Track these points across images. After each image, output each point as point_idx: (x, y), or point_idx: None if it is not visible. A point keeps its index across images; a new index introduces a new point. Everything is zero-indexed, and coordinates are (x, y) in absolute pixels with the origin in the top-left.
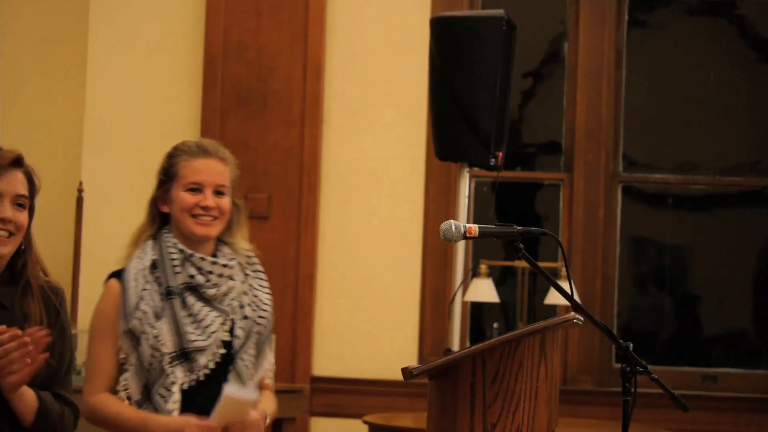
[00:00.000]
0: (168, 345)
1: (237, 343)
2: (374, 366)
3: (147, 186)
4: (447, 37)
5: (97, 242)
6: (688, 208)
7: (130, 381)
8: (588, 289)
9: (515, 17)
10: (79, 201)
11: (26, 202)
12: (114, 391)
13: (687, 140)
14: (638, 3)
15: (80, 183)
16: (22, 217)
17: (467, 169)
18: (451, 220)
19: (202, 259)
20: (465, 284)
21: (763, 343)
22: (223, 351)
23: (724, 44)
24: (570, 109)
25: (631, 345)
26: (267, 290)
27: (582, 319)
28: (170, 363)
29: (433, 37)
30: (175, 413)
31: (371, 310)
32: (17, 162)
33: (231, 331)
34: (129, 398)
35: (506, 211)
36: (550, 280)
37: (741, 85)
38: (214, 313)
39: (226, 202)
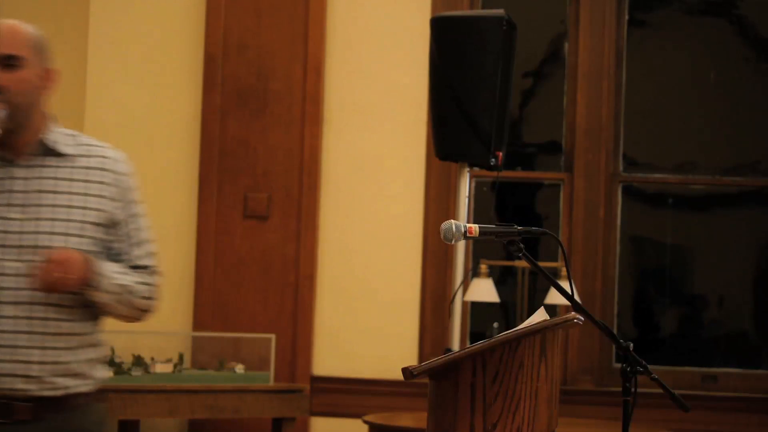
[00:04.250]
0: None
1: None
2: (374, 366)
3: (147, 186)
4: (447, 37)
5: None
6: (688, 208)
7: None
8: (588, 289)
9: (515, 17)
10: None
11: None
12: None
13: (687, 140)
14: (638, 3)
15: None
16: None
17: (467, 168)
18: (452, 220)
19: None
20: (465, 284)
21: (763, 343)
22: None
23: (724, 44)
24: (570, 109)
25: (631, 345)
26: None
27: (582, 319)
28: None
29: (433, 37)
30: None
31: (371, 310)
32: None
33: None
34: None
35: (506, 211)
36: (551, 279)
37: (741, 85)
38: None
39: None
